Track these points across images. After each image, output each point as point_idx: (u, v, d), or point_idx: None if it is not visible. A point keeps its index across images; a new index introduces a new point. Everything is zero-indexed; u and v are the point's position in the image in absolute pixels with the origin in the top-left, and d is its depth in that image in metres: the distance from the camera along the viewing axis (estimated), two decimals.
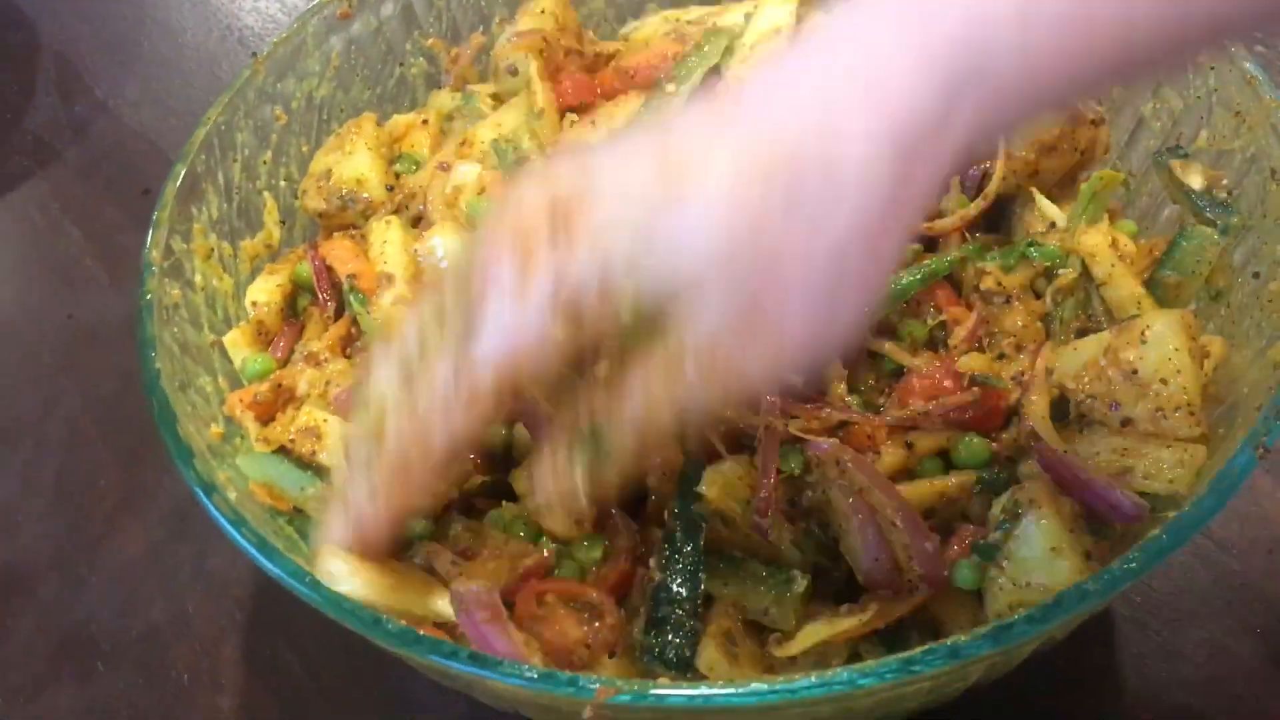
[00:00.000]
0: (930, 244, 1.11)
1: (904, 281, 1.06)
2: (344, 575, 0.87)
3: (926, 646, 0.75)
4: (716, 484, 0.93)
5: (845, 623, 0.88)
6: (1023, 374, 1.00)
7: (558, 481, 0.82)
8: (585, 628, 0.89)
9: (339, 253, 1.11)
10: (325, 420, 0.99)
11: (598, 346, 0.79)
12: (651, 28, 1.33)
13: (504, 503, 1.02)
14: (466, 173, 1.18)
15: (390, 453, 0.81)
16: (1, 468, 1.39)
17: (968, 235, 1.11)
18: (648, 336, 0.76)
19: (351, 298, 1.05)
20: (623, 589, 0.94)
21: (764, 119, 0.72)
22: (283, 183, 1.21)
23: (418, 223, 1.17)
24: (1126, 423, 0.93)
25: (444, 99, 1.31)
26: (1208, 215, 1.04)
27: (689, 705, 0.76)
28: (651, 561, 0.92)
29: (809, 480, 0.94)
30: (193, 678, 1.20)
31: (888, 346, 1.01)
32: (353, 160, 1.19)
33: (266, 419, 1.02)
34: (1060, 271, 1.05)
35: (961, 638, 0.75)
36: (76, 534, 1.32)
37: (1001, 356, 1.03)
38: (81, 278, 1.56)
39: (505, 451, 1.07)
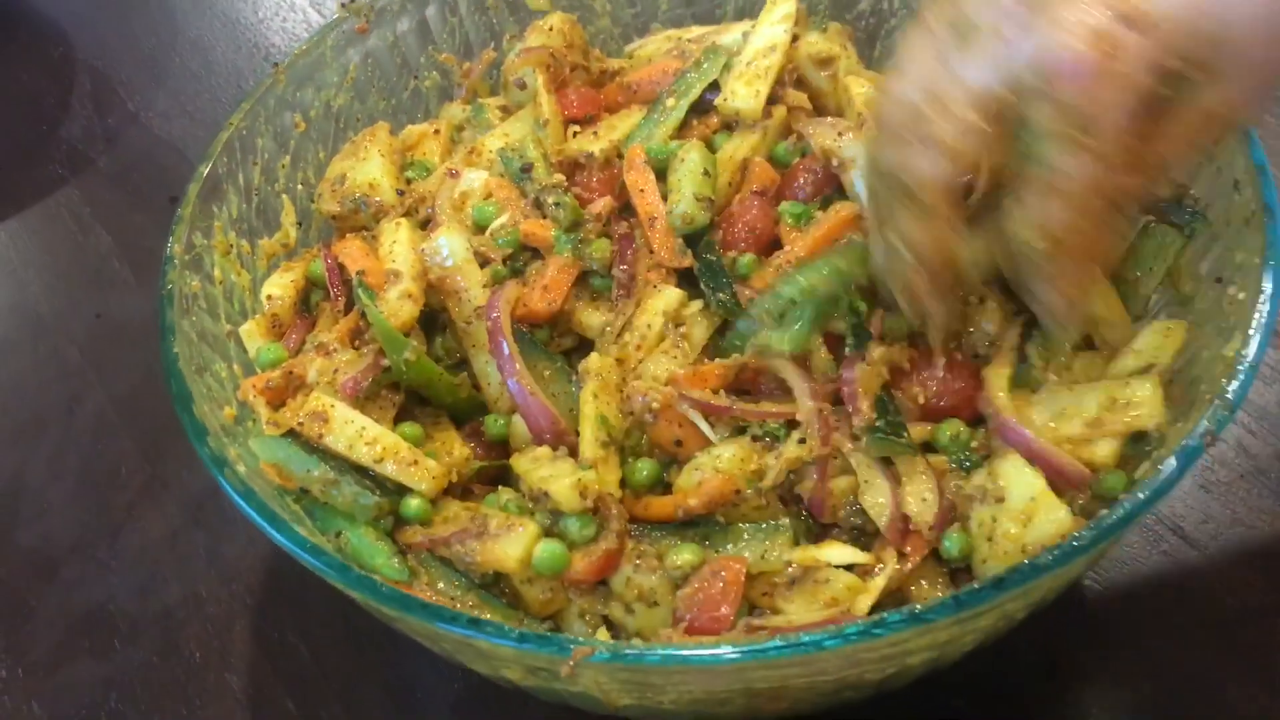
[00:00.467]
0: None
1: None
2: None
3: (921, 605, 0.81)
4: None
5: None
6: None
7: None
8: None
9: (350, 251, 1.17)
10: (332, 406, 1.04)
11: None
12: (654, 45, 1.39)
13: (499, 488, 1.08)
14: (474, 179, 1.24)
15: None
16: (31, 456, 1.46)
17: None
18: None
19: (360, 292, 1.11)
20: (609, 568, 0.99)
21: None
22: (300, 186, 1.28)
23: (427, 225, 1.23)
24: None
25: (455, 110, 1.38)
26: (1172, 219, 1.09)
27: (662, 664, 0.81)
28: None
29: None
30: (204, 656, 1.26)
31: (881, 350, 1.05)
32: (366, 166, 1.25)
33: (277, 404, 1.07)
34: None
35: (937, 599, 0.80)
36: (99, 520, 1.39)
37: (976, 356, 1.08)
38: (110, 279, 1.63)
39: (503, 440, 1.12)
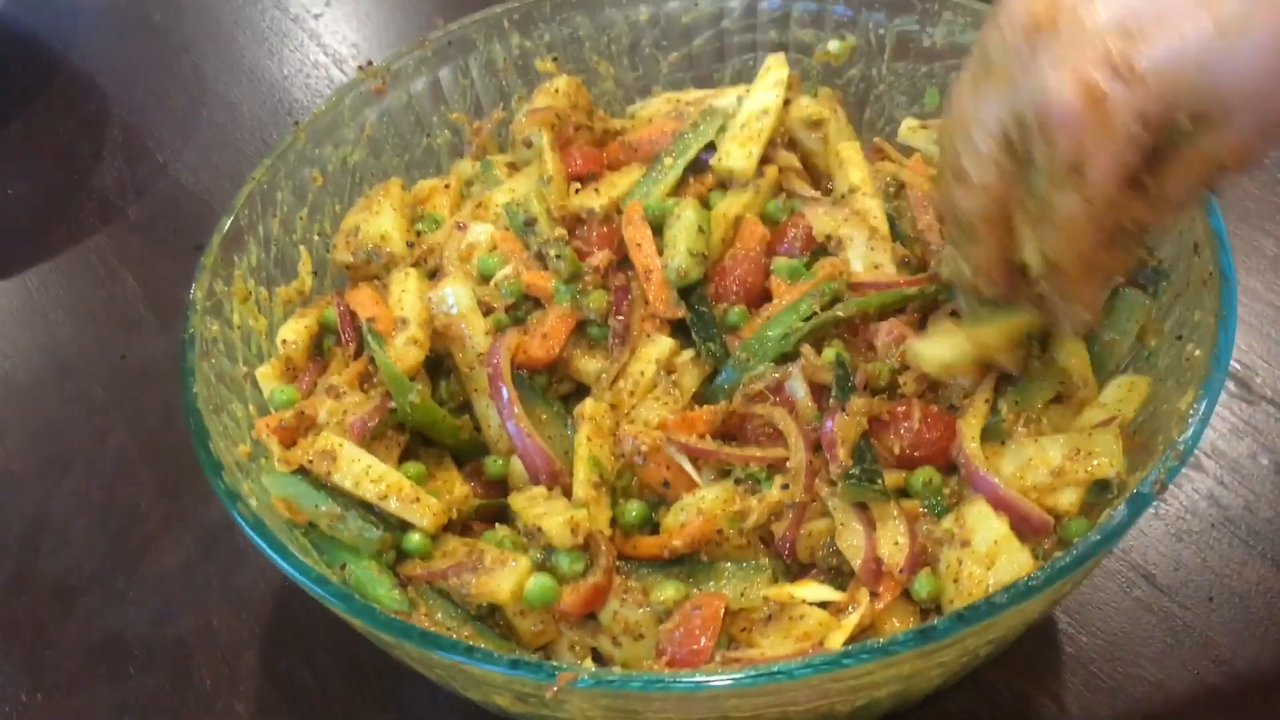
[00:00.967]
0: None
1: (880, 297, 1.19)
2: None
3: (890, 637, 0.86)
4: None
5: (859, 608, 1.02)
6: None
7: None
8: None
9: (361, 299, 1.24)
10: (341, 445, 1.11)
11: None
12: (655, 107, 1.47)
13: (496, 525, 1.14)
14: (480, 232, 1.31)
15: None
16: (56, 489, 1.52)
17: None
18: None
19: (369, 338, 1.18)
20: (596, 602, 1.05)
21: None
22: (317, 237, 1.35)
23: (435, 275, 1.30)
24: None
25: (465, 166, 1.45)
26: (1139, 280, 1.15)
27: (640, 691, 0.87)
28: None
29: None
30: (214, 684, 1.32)
31: (861, 402, 1.11)
32: (378, 219, 1.32)
33: (289, 442, 1.14)
34: None
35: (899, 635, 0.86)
36: (118, 551, 1.45)
37: (952, 408, 1.13)
38: (135, 322, 1.70)
39: (502, 480, 1.19)
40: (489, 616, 1.08)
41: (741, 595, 1.04)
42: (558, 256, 1.24)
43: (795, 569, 1.09)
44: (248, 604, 1.37)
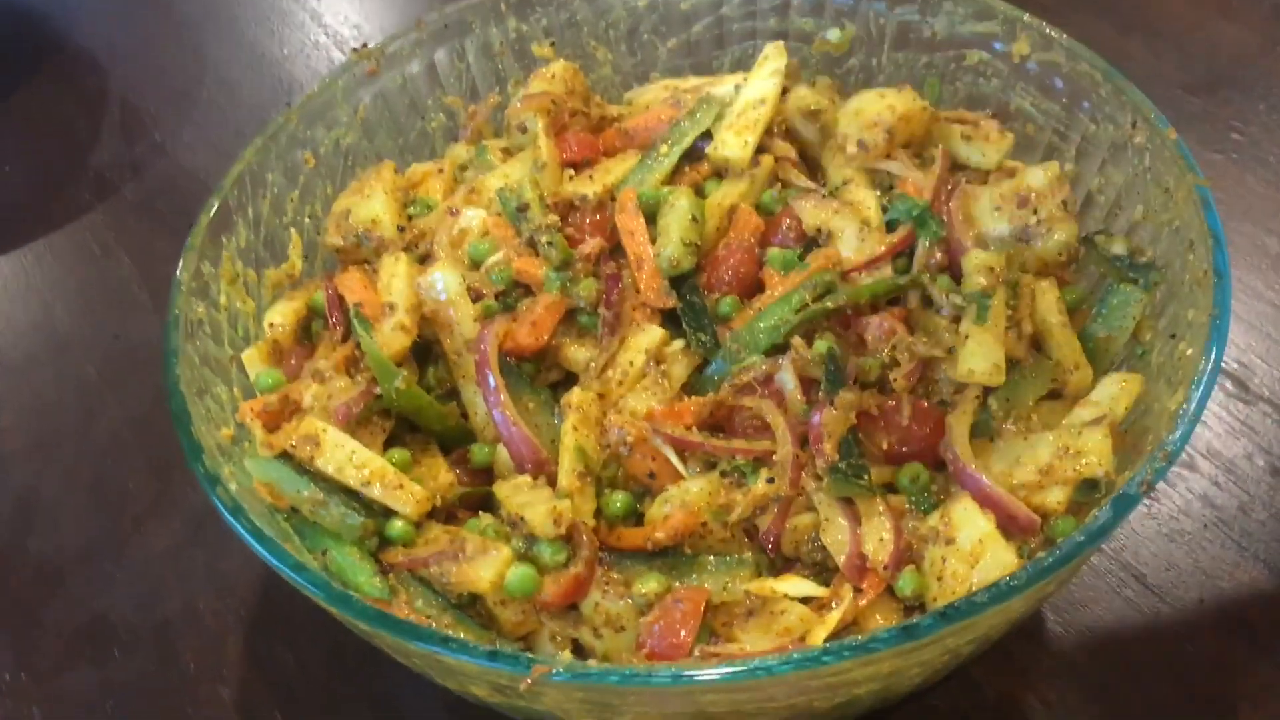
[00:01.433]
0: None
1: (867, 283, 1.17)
2: None
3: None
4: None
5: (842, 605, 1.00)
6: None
7: None
8: None
9: (350, 283, 1.23)
10: (324, 430, 1.10)
11: None
12: (652, 94, 1.45)
13: (480, 513, 1.13)
14: (472, 217, 1.30)
15: None
16: (46, 469, 1.52)
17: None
18: None
19: (356, 323, 1.17)
20: (578, 593, 1.04)
21: None
22: (307, 219, 1.34)
23: (426, 260, 1.29)
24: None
25: (459, 151, 1.44)
26: (1130, 275, 1.13)
27: (615, 685, 0.86)
28: None
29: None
30: (198, 667, 1.31)
31: (849, 396, 1.09)
32: (370, 203, 1.31)
33: (273, 427, 1.13)
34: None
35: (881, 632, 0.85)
36: (107, 533, 1.45)
37: (943, 403, 1.12)
38: (129, 303, 1.70)
39: (487, 467, 1.18)
40: (470, 606, 1.07)
41: (724, 589, 1.03)
42: (549, 243, 1.23)
43: (779, 563, 1.08)
44: (233, 588, 1.37)
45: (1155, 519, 1.29)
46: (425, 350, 1.23)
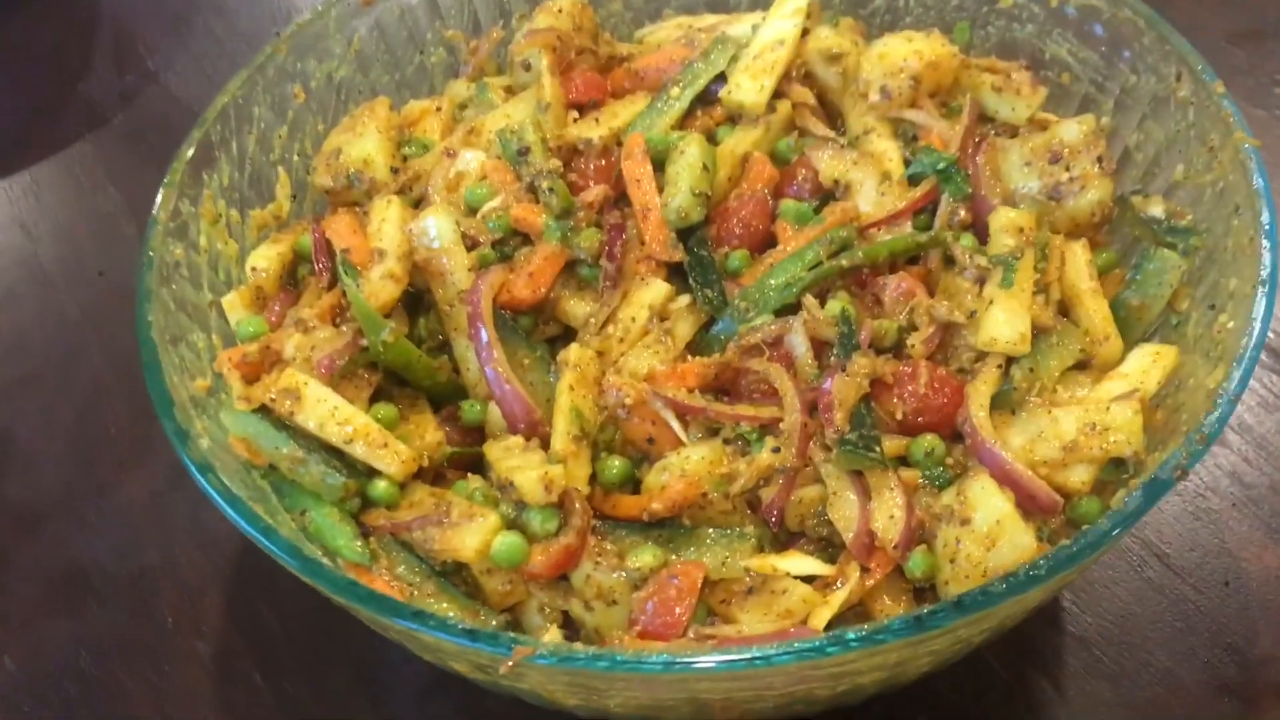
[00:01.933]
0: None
1: (885, 240, 1.10)
2: None
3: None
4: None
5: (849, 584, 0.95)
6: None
7: None
8: None
9: (338, 227, 1.17)
10: (306, 383, 1.04)
11: None
12: (665, 32, 1.37)
13: (469, 475, 1.07)
14: (470, 160, 1.23)
15: None
16: (25, 409, 1.47)
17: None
18: None
19: (342, 271, 1.10)
20: (568, 564, 0.98)
21: None
22: (296, 157, 1.27)
23: (420, 204, 1.22)
24: None
25: (459, 88, 1.36)
26: (1167, 239, 1.06)
27: (609, 671, 0.80)
28: None
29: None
30: (176, 621, 1.26)
31: (863, 362, 1.03)
32: (362, 142, 1.24)
33: (252, 378, 1.07)
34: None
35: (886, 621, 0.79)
36: (85, 478, 1.39)
37: (962, 371, 1.05)
38: (116, 238, 1.63)
39: (479, 426, 1.12)
40: (455, 574, 1.02)
41: (723, 565, 0.97)
42: (550, 190, 1.16)
43: (783, 538, 1.02)
44: (215, 540, 1.32)
45: (1181, 495, 1.23)
46: (416, 300, 1.16)
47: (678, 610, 0.93)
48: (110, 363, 1.50)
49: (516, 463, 1.02)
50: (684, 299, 1.13)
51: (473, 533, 0.97)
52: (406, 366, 1.11)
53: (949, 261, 1.12)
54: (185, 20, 1.92)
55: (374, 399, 1.10)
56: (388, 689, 1.19)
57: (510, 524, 1.00)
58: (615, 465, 1.05)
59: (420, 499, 1.03)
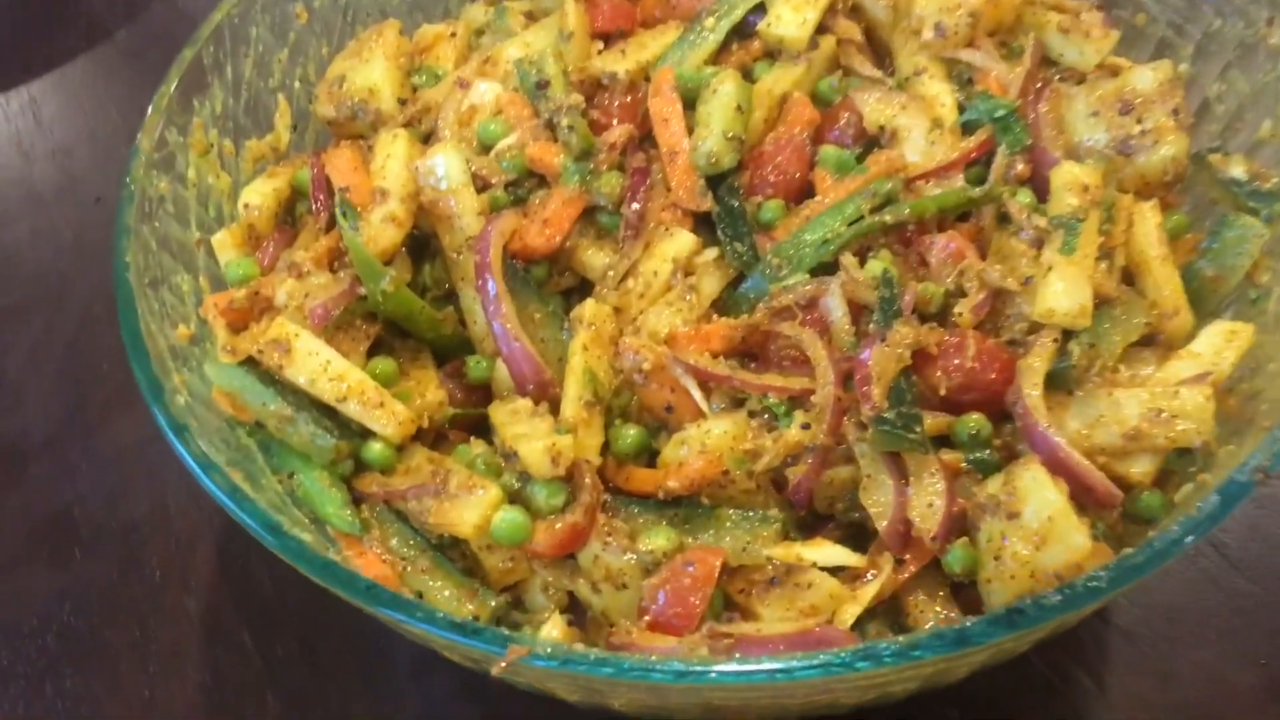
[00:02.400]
0: None
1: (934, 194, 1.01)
2: None
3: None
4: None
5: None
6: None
7: None
8: None
9: (338, 163, 1.07)
10: (297, 335, 0.95)
11: None
12: None
13: (472, 439, 0.99)
14: (485, 91, 1.13)
15: None
16: (14, 342, 1.39)
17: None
18: None
19: (340, 213, 1.02)
20: (574, 544, 0.90)
21: None
22: (298, 84, 1.18)
23: (429, 140, 1.13)
24: None
25: (476, 12, 1.26)
26: (1248, 203, 0.96)
27: (615, 678, 0.72)
28: None
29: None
30: (165, 575, 1.20)
31: (905, 331, 0.93)
32: (368, 69, 1.15)
33: (239, 326, 0.99)
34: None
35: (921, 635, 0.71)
36: (74, 417, 1.32)
37: (1013, 344, 0.96)
38: (116, 162, 1.53)
39: (485, 384, 1.03)
40: (452, 547, 0.94)
41: (743, 550, 0.89)
42: (570, 127, 1.06)
43: (809, 521, 0.94)
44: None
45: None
46: (421, 245, 1.08)
47: (692, 601, 0.85)
48: (103, 295, 1.40)
49: (523, 430, 0.93)
50: (711, 252, 1.04)
51: (471, 507, 0.90)
52: (408, 318, 1.03)
53: (1003, 220, 1.03)
54: None
55: (373, 351, 1.02)
56: (383, 656, 1.12)
57: (513, 497, 0.92)
58: (630, 434, 0.96)
59: (418, 465, 0.95)
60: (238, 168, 1.11)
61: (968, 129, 1.07)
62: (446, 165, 1.04)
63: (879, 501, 0.89)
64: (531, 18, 1.23)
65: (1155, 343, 0.97)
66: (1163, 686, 1.04)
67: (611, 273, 1.03)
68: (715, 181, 1.06)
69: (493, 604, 0.91)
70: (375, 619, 1.11)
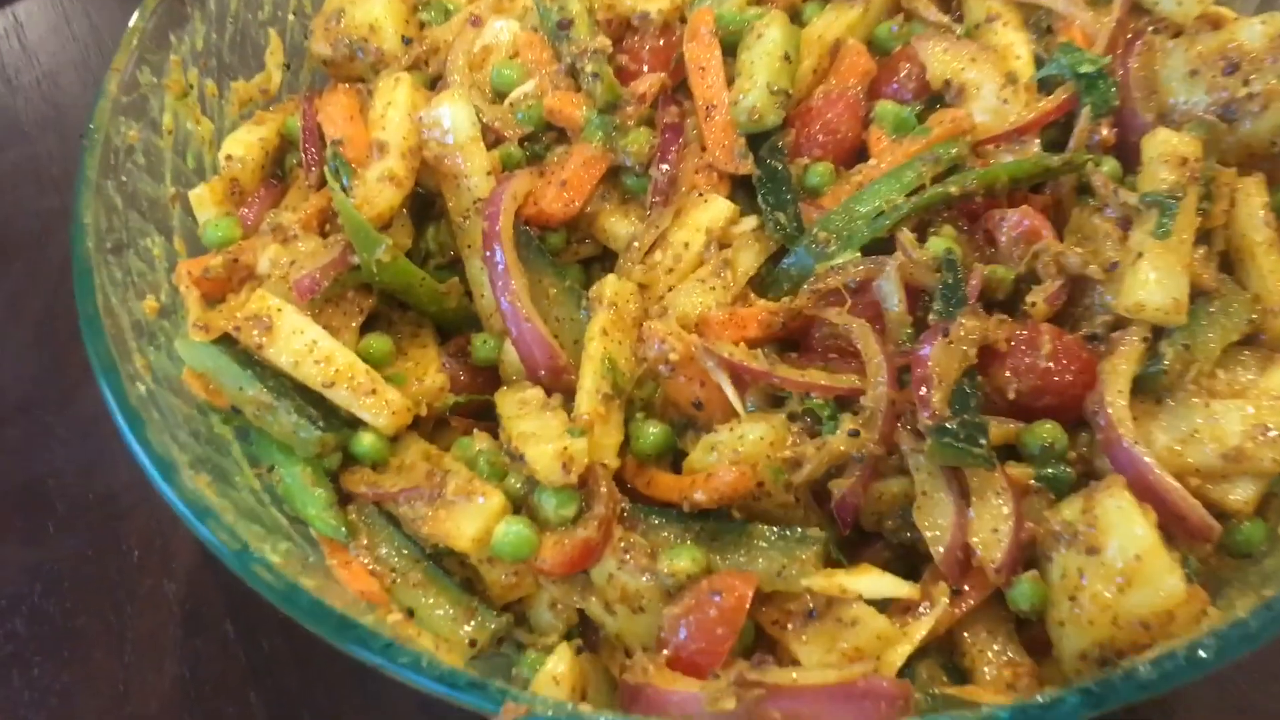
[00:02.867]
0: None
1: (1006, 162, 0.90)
2: None
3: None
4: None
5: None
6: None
7: None
8: None
9: (332, 110, 0.96)
10: (279, 310, 0.84)
11: None
12: None
13: (475, 431, 0.88)
14: (500, 30, 1.02)
15: None
16: None
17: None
18: None
19: (331, 172, 0.90)
20: (585, 561, 0.79)
21: None
22: (292, 17, 1.06)
23: (435, 85, 1.01)
24: None
25: None
26: None
27: None
28: None
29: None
30: (143, 556, 1.11)
31: (972, 324, 0.81)
32: (369, 3, 1.03)
33: (215, 297, 0.88)
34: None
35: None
36: (52, 377, 1.23)
37: (1094, 338, 0.84)
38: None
39: (492, 365, 0.92)
40: (449, 555, 0.83)
41: (778, 575, 0.78)
42: (594, 75, 0.95)
43: (855, 539, 0.82)
44: None
45: None
46: (426, 205, 0.96)
47: (719, 635, 0.74)
48: None
49: (532, 428, 0.82)
50: (749, 221, 0.93)
51: (471, 516, 0.79)
52: (407, 290, 0.91)
53: (1084, 194, 0.91)
54: None
55: (367, 326, 0.91)
56: None
57: (518, 504, 0.81)
58: (653, 432, 0.85)
59: (413, 461, 0.85)
60: (221, 113, 1.00)
61: (1045, 86, 0.95)
62: (454, 116, 0.92)
63: (935, 524, 0.78)
64: None
65: (1258, 343, 0.85)
66: None
67: (636, 244, 0.92)
68: (756, 141, 0.95)
69: (492, 626, 0.81)
70: None
